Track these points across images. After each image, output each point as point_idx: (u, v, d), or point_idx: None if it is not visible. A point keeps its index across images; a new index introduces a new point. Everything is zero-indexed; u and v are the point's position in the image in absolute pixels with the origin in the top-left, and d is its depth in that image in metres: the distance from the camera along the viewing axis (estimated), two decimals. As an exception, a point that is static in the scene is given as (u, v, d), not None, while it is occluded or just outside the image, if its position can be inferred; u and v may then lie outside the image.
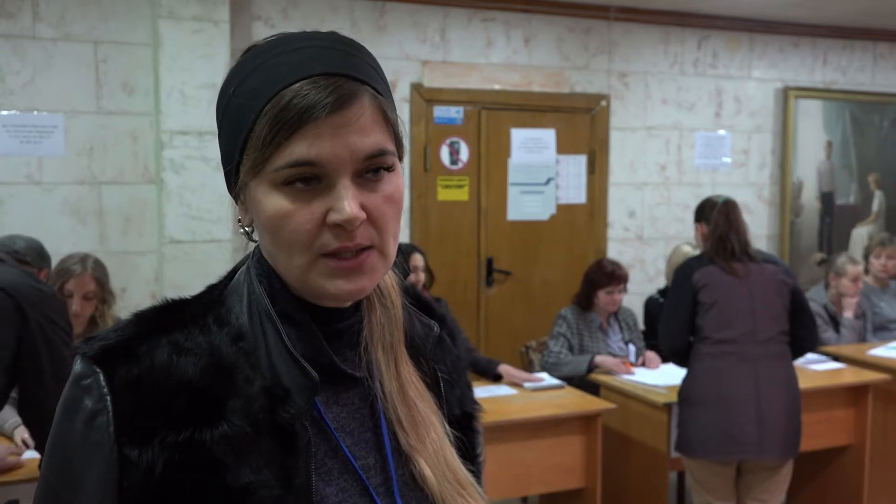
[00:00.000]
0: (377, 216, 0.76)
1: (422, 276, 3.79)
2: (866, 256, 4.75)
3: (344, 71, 0.74)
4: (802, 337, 3.12)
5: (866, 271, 4.72)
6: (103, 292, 3.16)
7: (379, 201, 0.76)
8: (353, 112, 0.73)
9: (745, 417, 2.98)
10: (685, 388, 3.14)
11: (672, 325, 3.15)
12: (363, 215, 0.74)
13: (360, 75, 0.75)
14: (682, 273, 3.15)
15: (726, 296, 3.04)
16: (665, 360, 3.65)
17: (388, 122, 0.77)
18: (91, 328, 3.10)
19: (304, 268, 0.75)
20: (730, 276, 3.04)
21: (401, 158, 0.80)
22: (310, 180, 0.73)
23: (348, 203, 0.73)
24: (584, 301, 3.98)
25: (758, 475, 3.13)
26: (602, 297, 3.95)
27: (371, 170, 0.75)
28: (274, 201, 0.74)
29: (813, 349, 3.33)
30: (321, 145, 0.72)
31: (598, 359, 3.80)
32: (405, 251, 3.74)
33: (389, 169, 0.77)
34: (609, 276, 3.93)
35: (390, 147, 0.76)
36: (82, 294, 3.06)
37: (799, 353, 3.15)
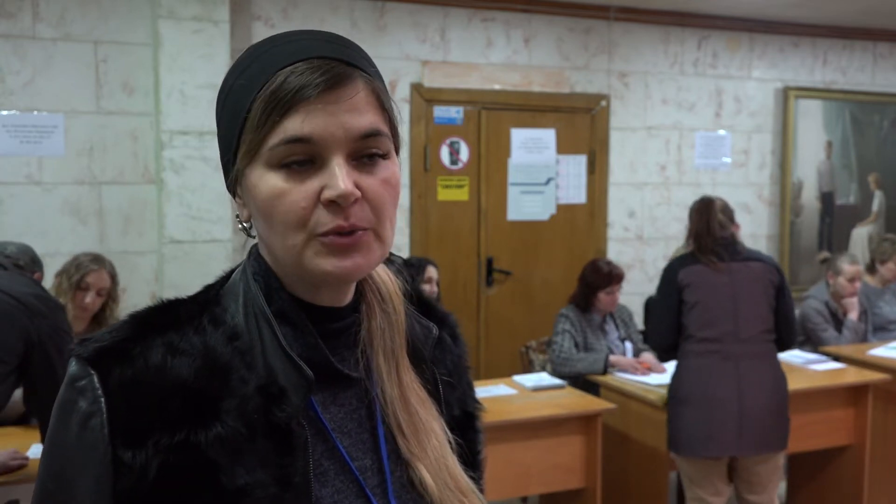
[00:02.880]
0: (373, 197, 0.75)
1: (436, 289, 3.84)
2: (876, 260, 4.72)
3: (338, 56, 0.75)
4: (781, 334, 3.16)
5: (873, 271, 4.71)
6: (115, 291, 3.27)
7: (375, 183, 0.75)
8: (347, 91, 0.74)
9: (726, 415, 3.04)
10: (673, 387, 3.20)
11: (660, 324, 3.22)
12: (357, 192, 0.74)
13: (355, 62, 0.76)
14: (668, 273, 3.20)
15: (709, 295, 3.08)
16: (661, 359, 3.68)
17: (383, 107, 0.77)
18: (93, 326, 3.14)
19: (299, 248, 0.75)
20: (713, 274, 3.08)
21: (397, 150, 0.80)
22: (304, 162, 0.74)
23: (342, 179, 0.73)
24: (583, 303, 3.99)
25: (749, 468, 3.20)
26: (602, 297, 3.96)
27: (366, 155, 0.75)
28: (268, 182, 0.74)
29: (791, 347, 3.35)
30: (314, 122, 0.72)
31: (613, 358, 3.79)
32: (419, 264, 3.78)
33: (385, 157, 0.77)
34: (607, 276, 3.94)
35: (385, 130, 0.76)
36: (97, 289, 3.16)
37: (780, 349, 3.21)
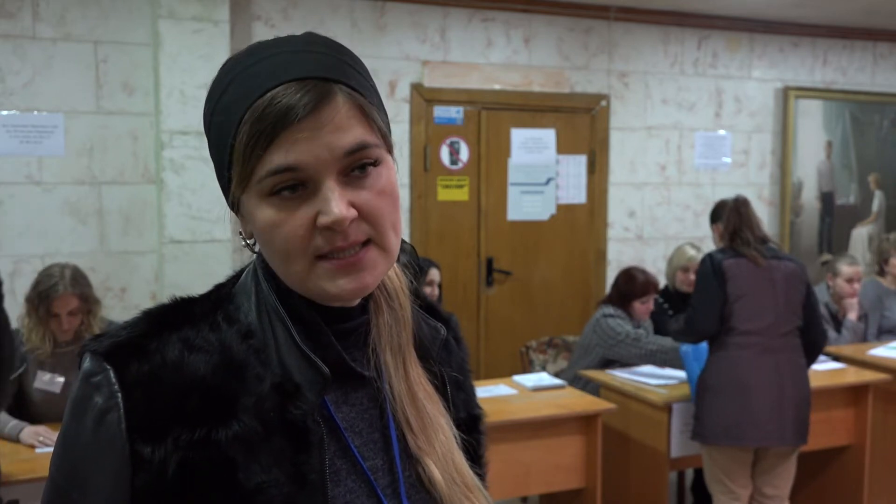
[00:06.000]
0: (370, 211, 0.75)
1: (437, 291, 3.83)
2: (880, 260, 4.71)
3: (315, 73, 0.73)
4: (815, 336, 3.24)
5: (882, 273, 4.69)
6: (87, 304, 3.05)
7: (370, 196, 0.75)
8: (327, 113, 0.72)
9: (767, 405, 3.11)
10: (707, 377, 3.22)
11: (705, 313, 3.20)
12: (352, 213, 0.73)
13: (333, 75, 0.74)
14: (711, 263, 3.21)
15: (753, 288, 3.14)
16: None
17: (368, 117, 0.75)
18: (77, 338, 3.04)
19: (303, 273, 0.75)
20: (755, 268, 3.15)
21: (389, 151, 0.79)
22: (295, 187, 0.73)
23: (335, 204, 0.72)
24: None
25: (772, 461, 3.26)
26: (637, 307, 3.92)
27: (357, 167, 0.74)
28: (263, 213, 0.74)
29: (824, 348, 3.40)
30: (299, 149, 0.71)
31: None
32: (422, 266, 3.76)
33: (376, 163, 0.76)
34: (643, 285, 3.90)
35: (372, 140, 0.75)
36: (67, 311, 2.97)
37: (814, 352, 3.25)
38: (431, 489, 0.82)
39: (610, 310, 3.92)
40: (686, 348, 3.49)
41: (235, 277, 0.85)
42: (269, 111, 0.71)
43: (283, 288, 0.79)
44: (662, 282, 4.61)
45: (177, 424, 0.72)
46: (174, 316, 0.78)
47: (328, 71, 0.74)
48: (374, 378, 0.82)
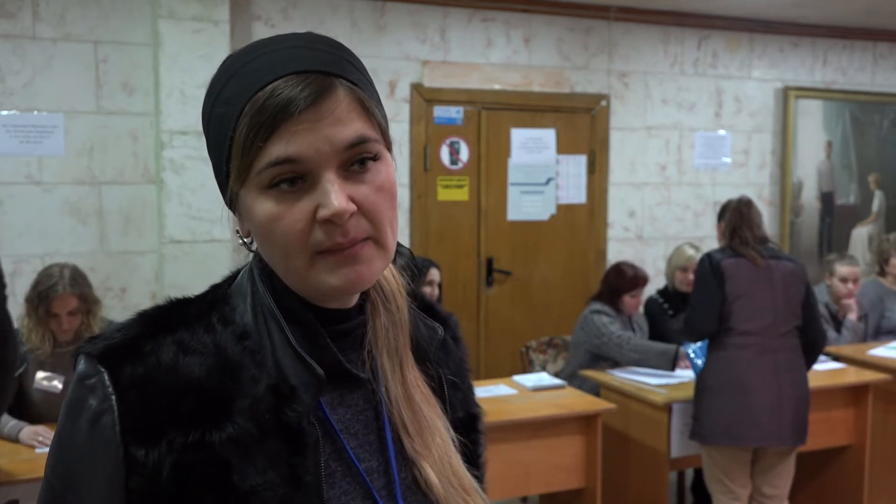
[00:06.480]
0: (369, 207, 0.74)
1: (437, 291, 3.84)
2: (881, 261, 4.70)
3: (316, 67, 0.73)
4: (814, 336, 3.24)
5: (882, 273, 4.69)
6: (87, 304, 3.04)
7: (369, 192, 0.74)
8: (328, 105, 0.72)
9: (766, 405, 3.11)
10: (706, 377, 3.23)
11: (704, 313, 3.21)
12: (352, 207, 0.73)
13: (333, 69, 0.74)
14: (710, 263, 3.22)
15: (751, 289, 3.15)
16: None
17: (368, 111, 0.75)
18: (77, 338, 3.04)
19: (303, 268, 0.75)
20: (753, 268, 3.15)
21: (389, 149, 0.79)
22: (295, 180, 0.72)
23: (335, 196, 0.71)
24: (608, 306, 4.00)
25: (771, 461, 3.27)
26: (627, 301, 3.96)
27: (356, 161, 0.74)
28: (262, 206, 0.73)
29: (823, 348, 3.41)
30: (299, 141, 0.71)
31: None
32: (422, 266, 3.78)
33: (376, 158, 0.75)
34: (632, 280, 3.95)
35: (372, 134, 0.75)
36: (66, 311, 2.98)
37: (813, 352, 3.26)
38: (428, 492, 0.82)
39: (598, 305, 3.96)
40: (693, 347, 3.51)
41: (231, 278, 0.84)
42: (269, 103, 0.71)
43: (279, 289, 0.79)
44: (662, 282, 4.61)
45: (171, 427, 0.71)
46: (169, 317, 0.78)
47: (328, 66, 0.74)
48: (370, 380, 0.82)
